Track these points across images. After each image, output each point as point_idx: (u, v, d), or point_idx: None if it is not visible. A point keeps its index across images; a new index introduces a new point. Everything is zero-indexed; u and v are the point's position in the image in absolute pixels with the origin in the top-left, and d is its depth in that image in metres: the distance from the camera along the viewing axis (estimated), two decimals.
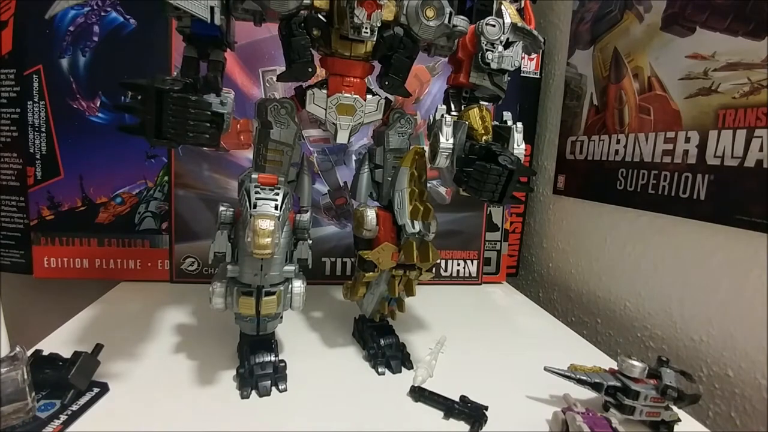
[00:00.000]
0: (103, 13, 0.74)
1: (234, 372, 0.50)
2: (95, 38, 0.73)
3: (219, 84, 0.40)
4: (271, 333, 0.52)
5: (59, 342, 0.54)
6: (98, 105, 0.75)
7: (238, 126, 0.75)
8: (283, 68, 0.45)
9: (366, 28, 0.41)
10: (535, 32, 0.46)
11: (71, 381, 0.43)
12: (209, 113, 0.35)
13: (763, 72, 0.51)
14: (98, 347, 0.48)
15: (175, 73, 0.39)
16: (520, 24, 0.45)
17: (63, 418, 0.40)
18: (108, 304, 0.69)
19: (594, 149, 0.79)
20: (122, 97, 0.72)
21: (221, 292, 0.46)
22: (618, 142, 0.74)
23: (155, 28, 0.73)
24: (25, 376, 0.38)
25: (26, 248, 0.78)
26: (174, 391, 0.46)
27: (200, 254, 0.78)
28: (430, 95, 0.83)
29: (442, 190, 0.86)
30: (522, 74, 0.91)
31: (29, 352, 0.44)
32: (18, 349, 0.38)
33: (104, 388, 0.45)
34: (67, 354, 0.45)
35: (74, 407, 0.42)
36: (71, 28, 0.73)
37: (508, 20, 0.45)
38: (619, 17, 0.74)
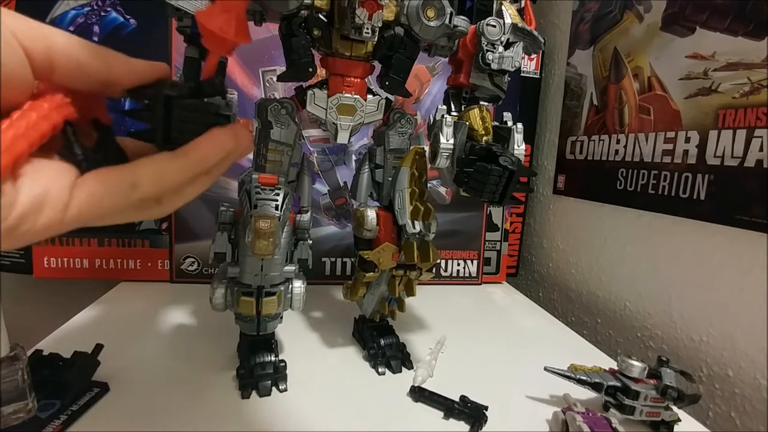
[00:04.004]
0: (103, 13, 0.74)
1: (234, 372, 0.50)
2: (95, 38, 0.73)
3: (225, 87, 0.40)
4: (271, 333, 0.52)
5: (59, 342, 0.54)
6: None
7: None
8: (284, 68, 0.45)
9: (367, 28, 0.41)
10: (536, 33, 0.46)
11: (71, 381, 0.43)
12: (216, 116, 0.35)
13: (763, 72, 0.51)
14: (98, 347, 0.48)
15: (179, 75, 0.39)
16: (520, 24, 0.45)
17: (63, 418, 0.40)
18: (108, 304, 0.69)
19: (594, 149, 0.80)
20: (122, 100, 0.72)
21: (221, 293, 0.46)
22: (618, 142, 0.74)
23: (155, 28, 0.73)
24: (25, 376, 0.38)
25: (26, 248, 0.78)
26: (174, 391, 0.46)
27: (200, 254, 0.78)
28: (430, 95, 0.83)
29: (442, 190, 0.86)
30: (522, 74, 0.91)
31: (29, 352, 0.44)
32: (18, 349, 0.38)
33: (104, 388, 0.45)
34: (67, 354, 0.45)
35: (74, 407, 0.42)
36: (71, 28, 0.73)
37: (508, 21, 0.45)
38: (619, 17, 0.74)
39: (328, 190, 0.81)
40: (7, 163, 0.16)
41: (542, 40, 0.48)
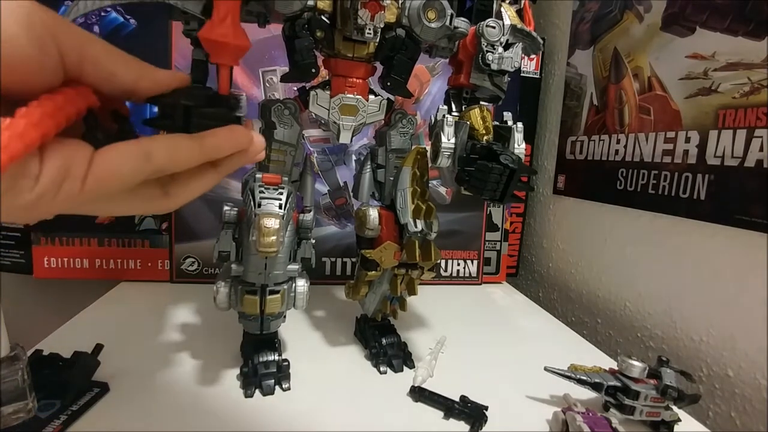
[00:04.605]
0: (103, 13, 0.73)
1: (237, 371, 0.50)
2: None
3: (240, 102, 0.40)
4: (274, 332, 0.51)
5: (59, 342, 0.54)
6: None
7: None
8: (284, 68, 0.46)
9: (369, 29, 0.41)
10: (534, 34, 0.46)
11: (71, 381, 0.43)
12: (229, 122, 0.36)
13: (763, 72, 0.51)
14: (98, 347, 0.48)
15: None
16: (519, 26, 0.46)
17: (63, 418, 0.40)
18: (108, 304, 0.69)
19: (594, 149, 0.80)
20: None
21: (225, 291, 0.46)
22: (618, 142, 0.74)
23: (155, 28, 0.73)
24: (25, 376, 0.38)
25: (26, 248, 0.78)
26: (175, 390, 0.46)
27: (200, 254, 0.78)
28: (429, 95, 0.83)
29: (442, 190, 0.86)
30: (522, 74, 0.91)
31: (29, 352, 0.44)
32: (18, 349, 0.38)
33: (104, 388, 0.45)
34: (67, 354, 0.45)
35: (74, 407, 0.42)
36: None
37: (507, 22, 0.45)
38: (619, 17, 0.74)
39: (328, 190, 0.82)
40: (33, 139, 0.17)
41: (541, 41, 0.48)
